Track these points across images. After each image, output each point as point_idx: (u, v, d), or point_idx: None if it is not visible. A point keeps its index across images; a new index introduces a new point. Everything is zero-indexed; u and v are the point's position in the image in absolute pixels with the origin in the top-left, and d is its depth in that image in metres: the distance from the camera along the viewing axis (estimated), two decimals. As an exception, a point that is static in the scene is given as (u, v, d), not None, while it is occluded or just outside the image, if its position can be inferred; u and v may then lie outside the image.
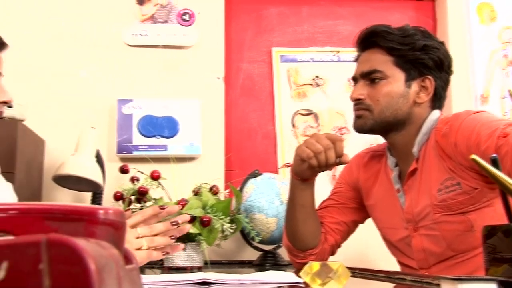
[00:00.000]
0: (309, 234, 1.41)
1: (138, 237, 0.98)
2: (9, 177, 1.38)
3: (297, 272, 1.19)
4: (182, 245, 1.15)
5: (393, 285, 1.08)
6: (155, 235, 1.02)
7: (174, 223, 1.06)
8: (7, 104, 1.13)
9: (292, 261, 1.48)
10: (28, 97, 1.88)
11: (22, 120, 1.68)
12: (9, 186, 1.27)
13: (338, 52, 2.23)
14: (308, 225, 1.40)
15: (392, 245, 1.43)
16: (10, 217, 0.40)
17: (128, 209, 1.34)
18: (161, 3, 2.11)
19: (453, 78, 1.41)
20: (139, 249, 0.97)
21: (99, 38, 2.07)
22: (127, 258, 0.43)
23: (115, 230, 0.42)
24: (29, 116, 1.73)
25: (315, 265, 0.89)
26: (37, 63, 2.02)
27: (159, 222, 1.08)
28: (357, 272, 1.21)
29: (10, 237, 0.39)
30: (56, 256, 0.30)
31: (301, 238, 1.41)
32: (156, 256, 1.02)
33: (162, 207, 1.06)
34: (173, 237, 1.05)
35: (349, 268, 0.88)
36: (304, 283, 0.93)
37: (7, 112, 1.57)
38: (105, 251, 0.35)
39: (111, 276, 0.34)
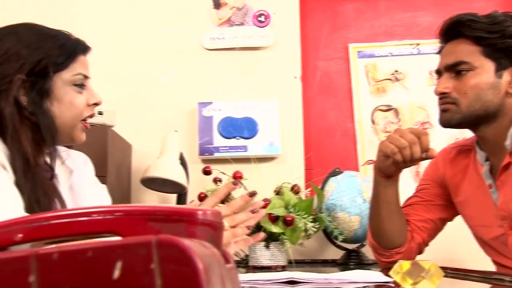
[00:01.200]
0: (394, 232, 1.38)
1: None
2: (102, 180, 1.45)
3: (384, 271, 1.17)
4: (262, 234, 1.14)
5: (489, 286, 1.03)
6: (235, 214, 1.02)
7: (251, 194, 1.05)
8: (98, 105, 1.17)
9: (378, 260, 1.46)
10: (115, 103, 1.97)
11: (112, 126, 1.76)
12: (104, 187, 1.33)
13: (418, 44, 2.16)
14: (393, 222, 1.37)
15: (486, 244, 1.36)
16: (116, 218, 0.42)
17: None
18: (237, 6, 2.14)
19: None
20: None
21: (179, 44, 2.13)
22: (225, 258, 0.44)
23: (213, 231, 0.43)
24: (117, 122, 1.82)
25: (405, 264, 0.87)
26: (122, 71, 2.11)
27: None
28: (448, 272, 1.16)
29: (118, 238, 0.41)
30: (166, 256, 0.32)
31: (387, 236, 1.38)
32: (242, 232, 1.02)
33: (251, 193, 1.06)
34: (249, 227, 1.04)
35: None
36: (394, 282, 0.91)
37: (99, 119, 1.66)
38: (208, 250, 0.36)
39: (216, 275, 0.35)
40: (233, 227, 1.02)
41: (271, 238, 1.59)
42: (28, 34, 1.09)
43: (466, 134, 1.45)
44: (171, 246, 0.32)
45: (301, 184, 1.87)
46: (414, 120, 2.13)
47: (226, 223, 1.01)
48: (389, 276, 0.94)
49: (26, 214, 0.92)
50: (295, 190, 1.68)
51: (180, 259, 0.32)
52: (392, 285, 0.97)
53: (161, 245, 0.32)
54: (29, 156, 1.02)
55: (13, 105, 1.03)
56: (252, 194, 1.09)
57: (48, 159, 1.10)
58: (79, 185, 1.25)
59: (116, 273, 0.32)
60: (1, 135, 1.02)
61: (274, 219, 1.55)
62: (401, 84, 2.16)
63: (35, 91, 1.06)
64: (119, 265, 0.32)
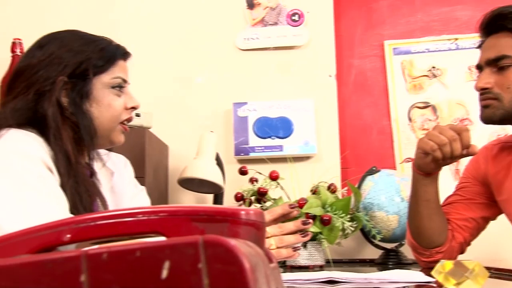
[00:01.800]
0: (434, 231, 1.35)
1: (267, 237, 0.98)
2: (140, 181, 1.47)
3: (424, 271, 1.15)
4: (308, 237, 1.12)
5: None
6: (284, 234, 1.01)
7: (304, 222, 1.03)
8: (135, 109, 1.20)
9: (418, 259, 1.43)
10: (152, 105, 2.00)
11: (149, 128, 1.79)
12: (143, 189, 1.35)
13: (456, 39, 2.11)
14: (433, 221, 1.35)
15: (531, 243, 1.33)
16: (160, 219, 0.43)
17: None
18: (271, 5, 2.14)
19: None
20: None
21: (213, 45, 2.15)
22: (268, 257, 0.44)
23: (256, 230, 0.43)
24: (154, 123, 1.84)
25: (448, 264, 0.86)
26: (157, 73, 2.14)
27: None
28: (492, 272, 1.13)
29: (162, 238, 0.41)
30: (213, 255, 0.32)
31: (427, 235, 1.36)
32: (286, 254, 1.01)
33: (292, 206, 1.05)
34: (303, 234, 1.03)
35: (481, 267, 0.83)
36: (436, 282, 0.89)
37: (136, 121, 1.68)
38: (253, 250, 0.36)
39: (261, 274, 0.35)
40: (279, 247, 1.01)
41: (308, 238, 1.58)
42: (71, 39, 1.13)
43: (508, 130, 1.41)
44: (218, 246, 0.32)
45: (337, 183, 1.85)
46: (453, 117, 2.09)
47: (273, 242, 1.00)
48: (431, 276, 0.92)
49: (72, 216, 0.95)
50: (331, 189, 1.67)
51: (227, 258, 0.32)
52: (434, 285, 0.96)
53: (208, 245, 0.32)
54: (71, 154, 1.06)
55: (56, 106, 1.07)
56: (293, 206, 1.07)
57: (87, 159, 1.13)
58: (120, 187, 1.27)
59: (164, 273, 0.32)
60: (44, 135, 1.05)
61: (311, 218, 1.54)
62: (438, 80, 2.12)
63: (75, 92, 1.10)
64: (167, 265, 0.32)
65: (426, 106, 2.12)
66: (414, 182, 1.35)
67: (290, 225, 1.02)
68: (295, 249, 1.03)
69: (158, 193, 1.89)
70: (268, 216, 1.01)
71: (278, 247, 0.99)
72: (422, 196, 1.33)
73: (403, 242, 1.80)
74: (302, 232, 1.02)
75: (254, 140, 2.03)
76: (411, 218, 1.39)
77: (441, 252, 1.36)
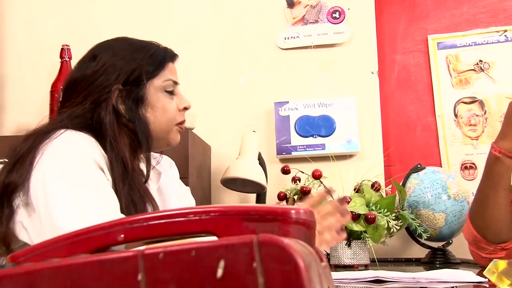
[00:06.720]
0: (506, 223, 1.26)
1: None
2: (184, 182, 1.49)
3: (479, 271, 1.12)
4: (345, 235, 1.09)
5: None
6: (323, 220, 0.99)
7: (342, 201, 1.01)
8: (188, 109, 1.23)
9: (476, 255, 1.36)
10: (194, 106, 2.02)
11: (192, 129, 1.81)
12: (188, 189, 1.37)
13: (505, 31, 2.05)
14: (509, 213, 1.25)
15: None
16: (212, 218, 0.43)
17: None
18: (311, 3, 2.13)
19: None
20: None
21: (254, 45, 2.15)
22: (319, 256, 0.44)
23: (307, 229, 0.43)
24: (197, 124, 1.86)
25: (501, 264, 0.83)
26: (200, 74, 2.16)
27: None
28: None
29: (214, 238, 0.42)
30: (267, 254, 0.32)
31: (497, 228, 1.27)
32: (330, 238, 0.99)
33: (328, 190, 1.04)
34: (345, 214, 1.00)
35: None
36: (489, 282, 0.87)
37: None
38: (306, 249, 0.36)
39: (315, 273, 0.35)
40: (320, 231, 0.99)
41: (352, 237, 1.57)
42: (121, 47, 1.17)
43: None
44: (272, 245, 0.32)
45: (381, 181, 1.83)
46: (502, 112, 2.03)
47: None
48: (482, 275, 0.90)
49: (122, 215, 0.97)
50: (375, 187, 1.65)
51: (282, 257, 0.32)
52: (486, 285, 0.93)
53: (262, 244, 0.32)
54: (127, 161, 1.08)
55: (112, 113, 1.10)
56: (329, 191, 1.06)
57: (142, 164, 1.15)
58: (166, 187, 1.30)
59: (220, 272, 0.32)
60: (100, 141, 1.08)
61: (355, 217, 1.53)
62: (486, 74, 2.06)
63: (131, 99, 1.13)
64: (222, 264, 0.32)
65: (473, 101, 2.06)
66: (497, 167, 1.22)
67: (327, 207, 1.00)
68: (338, 231, 1.01)
69: (202, 193, 1.91)
70: (317, 217, 1.00)
71: (318, 232, 0.98)
72: (504, 184, 1.22)
73: (450, 241, 1.76)
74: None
75: (296, 139, 2.03)
76: (483, 209, 1.28)
77: (506, 249, 1.28)
